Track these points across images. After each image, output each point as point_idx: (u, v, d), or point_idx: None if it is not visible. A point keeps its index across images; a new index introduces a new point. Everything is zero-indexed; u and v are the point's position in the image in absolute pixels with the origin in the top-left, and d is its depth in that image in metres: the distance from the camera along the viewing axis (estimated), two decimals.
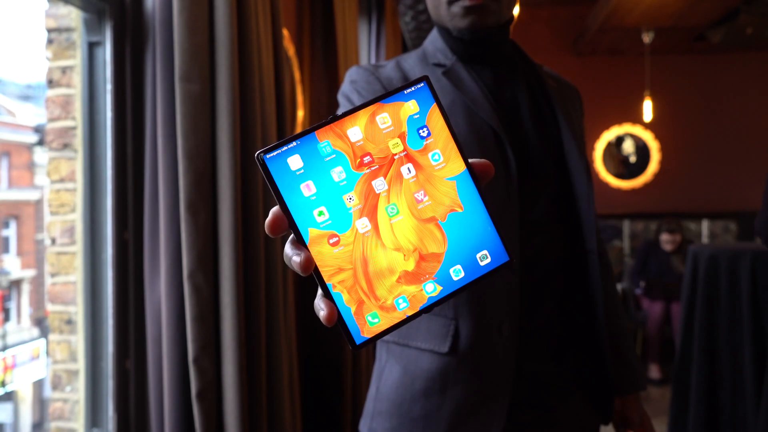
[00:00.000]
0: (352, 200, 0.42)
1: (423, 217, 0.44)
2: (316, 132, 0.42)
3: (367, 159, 0.43)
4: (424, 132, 0.45)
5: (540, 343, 0.91)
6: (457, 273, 0.45)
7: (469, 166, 0.46)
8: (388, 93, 0.44)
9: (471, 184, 0.45)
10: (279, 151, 0.41)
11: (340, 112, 0.91)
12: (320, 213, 0.42)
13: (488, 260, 0.46)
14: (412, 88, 0.44)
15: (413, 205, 0.44)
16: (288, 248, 0.42)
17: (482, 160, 0.46)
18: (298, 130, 2.05)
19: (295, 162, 0.41)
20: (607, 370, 0.92)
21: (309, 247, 0.41)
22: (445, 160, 0.45)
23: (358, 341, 0.42)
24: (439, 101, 0.45)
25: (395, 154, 0.44)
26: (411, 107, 0.44)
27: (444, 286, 0.44)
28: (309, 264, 0.41)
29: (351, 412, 2.10)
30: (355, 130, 0.43)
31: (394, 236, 0.43)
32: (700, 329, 2.33)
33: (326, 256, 0.42)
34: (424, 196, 0.44)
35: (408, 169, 0.44)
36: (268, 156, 0.41)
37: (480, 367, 0.86)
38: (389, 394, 0.92)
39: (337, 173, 0.42)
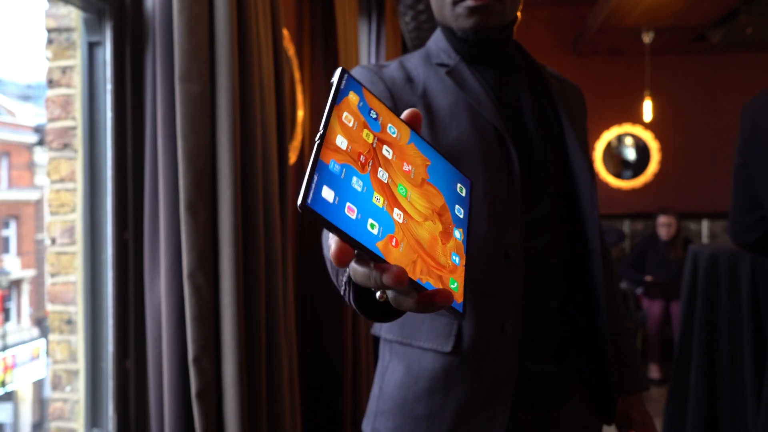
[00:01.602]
0: (379, 200, 0.44)
1: (417, 183, 0.48)
2: (320, 157, 0.42)
3: (362, 159, 0.44)
4: (373, 114, 0.47)
5: (542, 342, 0.91)
6: (460, 212, 0.50)
7: (407, 124, 0.50)
8: (333, 96, 0.44)
9: (419, 138, 0.50)
10: (312, 192, 0.40)
11: None
12: (372, 225, 0.42)
13: (464, 190, 0.52)
14: (343, 83, 0.45)
15: (408, 177, 0.47)
16: (366, 270, 0.42)
17: (406, 111, 0.50)
18: (299, 130, 2.05)
19: (328, 194, 0.41)
20: (609, 370, 0.92)
21: (387, 261, 0.42)
22: (398, 130, 0.48)
23: (461, 309, 0.45)
24: (361, 83, 0.47)
25: (371, 144, 0.45)
26: (354, 98, 0.46)
27: (462, 227, 0.50)
28: (402, 273, 0.41)
29: (351, 412, 2.10)
30: (339, 138, 0.43)
31: (416, 210, 0.46)
32: (700, 329, 2.32)
33: (399, 259, 0.43)
34: (408, 165, 0.47)
35: (386, 150, 0.46)
36: (309, 201, 0.39)
37: (482, 366, 0.86)
38: (392, 393, 0.92)
39: (356, 183, 0.43)
